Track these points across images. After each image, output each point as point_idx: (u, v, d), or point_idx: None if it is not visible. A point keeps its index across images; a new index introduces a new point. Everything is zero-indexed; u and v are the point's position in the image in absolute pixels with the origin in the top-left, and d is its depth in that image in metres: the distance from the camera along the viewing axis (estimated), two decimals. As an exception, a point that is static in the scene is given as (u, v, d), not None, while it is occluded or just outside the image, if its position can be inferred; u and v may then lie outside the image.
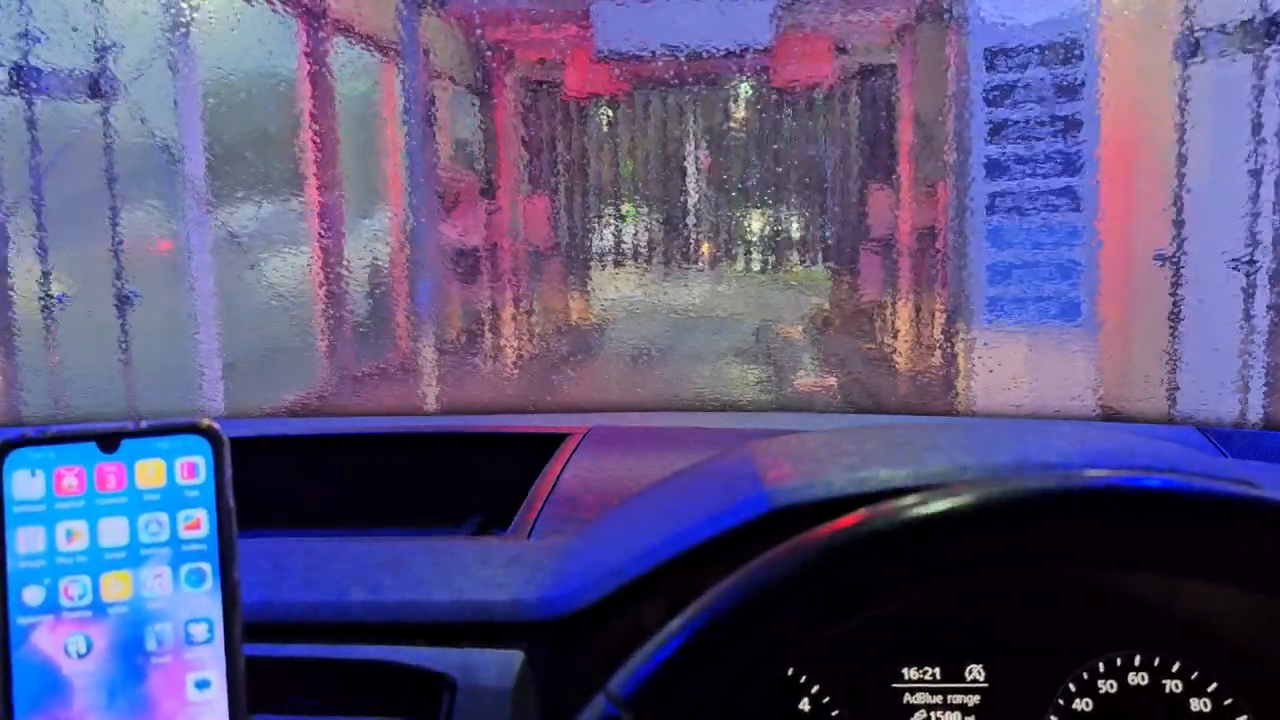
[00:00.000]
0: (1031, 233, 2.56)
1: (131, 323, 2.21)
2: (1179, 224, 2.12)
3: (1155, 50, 2.29)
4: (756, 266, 3.33)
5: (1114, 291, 2.30)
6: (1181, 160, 2.16)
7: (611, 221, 3.45)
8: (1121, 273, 2.29)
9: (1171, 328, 1.96)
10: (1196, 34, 2.16)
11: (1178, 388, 1.78)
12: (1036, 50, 2.51)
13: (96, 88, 2.27)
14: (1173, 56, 2.18)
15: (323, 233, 2.64)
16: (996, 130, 2.59)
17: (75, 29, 2.22)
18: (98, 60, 2.26)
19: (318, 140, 2.63)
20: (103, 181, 2.31)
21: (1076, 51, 2.45)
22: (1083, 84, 2.46)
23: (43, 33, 2.13)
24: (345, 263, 2.65)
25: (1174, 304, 2.00)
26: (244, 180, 2.43)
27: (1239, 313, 1.88)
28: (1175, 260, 2.05)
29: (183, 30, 2.32)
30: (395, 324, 2.69)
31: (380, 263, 2.81)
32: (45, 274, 2.17)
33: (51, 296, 2.15)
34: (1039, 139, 2.54)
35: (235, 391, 2.16)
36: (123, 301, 2.24)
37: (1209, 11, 2.17)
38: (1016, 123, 2.56)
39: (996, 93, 2.58)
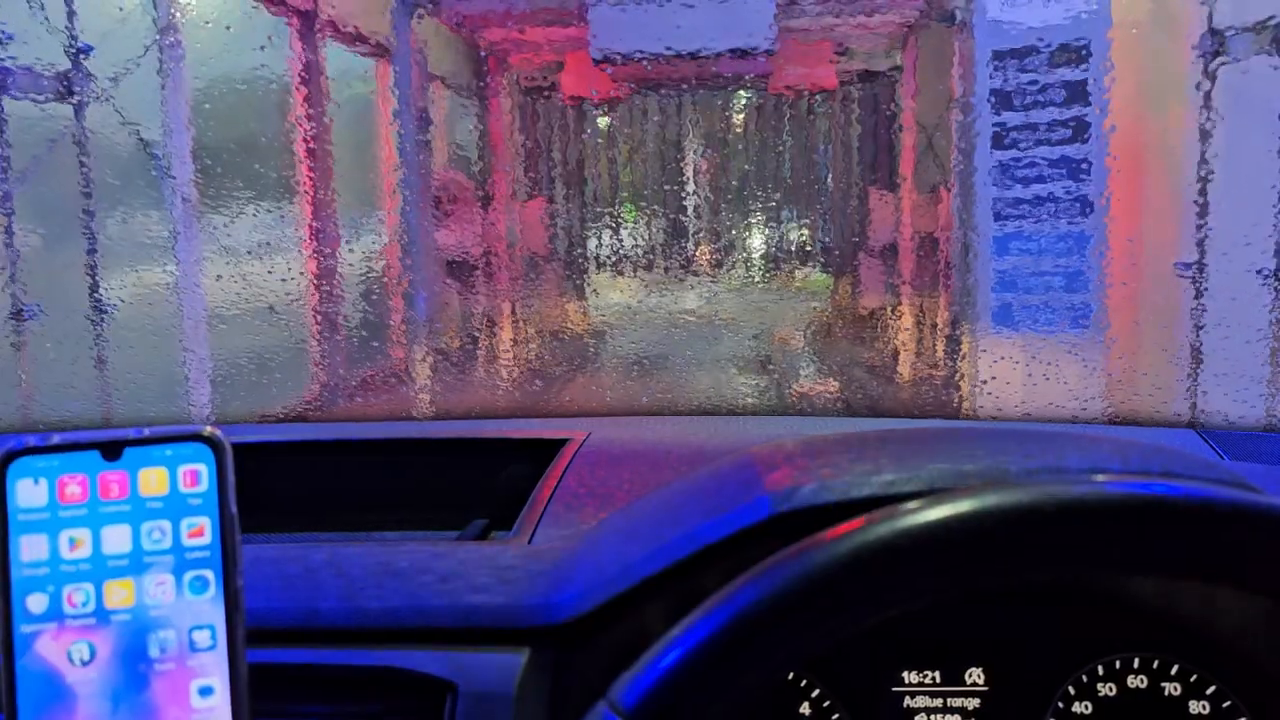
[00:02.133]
0: (1038, 239, 2.56)
1: (116, 332, 2.20)
2: (1201, 231, 2.12)
3: (1167, 52, 2.29)
4: (757, 273, 3.34)
5: (1121, 298, 2.30)
6: (1204, 164, 2.15)
7: (610, 227, 3.46)
8: (1129, 279, 2.29)
9: (1195, 334, 1.96)
10: (1220, 34, 2.15)
11: (1196, 394, 1.79)
12: (1045, 52, 2.51)
13: (74, 89, 2.26)
14: (1196, 56, 2.17)
15: (316, 239, 2.64)
16: (1003, 135, 2.59)
17: (53, 28, 2.22)
18: (77, 60, 2.25)
19: (310, 144, 2.64)
20: (88, 187, 2.30)
21: (1086, 53, 2.45)
22: (1092, 86, 2.46)
23: (6, 33, 2.11)
24: (339, 269, 2.66)
25: (1194, 311, 2.00)
26: (234, 185, 2.43)
27: (1261, 320, 1.89)
28: (1197, 268, 2.05)
29: (171, 30, 2.32)
30: (392, 331, 2.70)
31: (375, 269, 2.82)
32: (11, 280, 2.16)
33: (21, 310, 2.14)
34: (1046, 143, 2.54)
35: (226, 402, 2.16)
36: (98, 313, 2.22)
37: (1222, 13, 2.17)
38: (1023, 126, 2.57)
39: (1003, 96, 2.58)
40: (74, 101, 2.25)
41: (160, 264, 2.38)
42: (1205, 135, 2.16)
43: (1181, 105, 2.23)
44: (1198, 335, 1.97)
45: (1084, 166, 2.49)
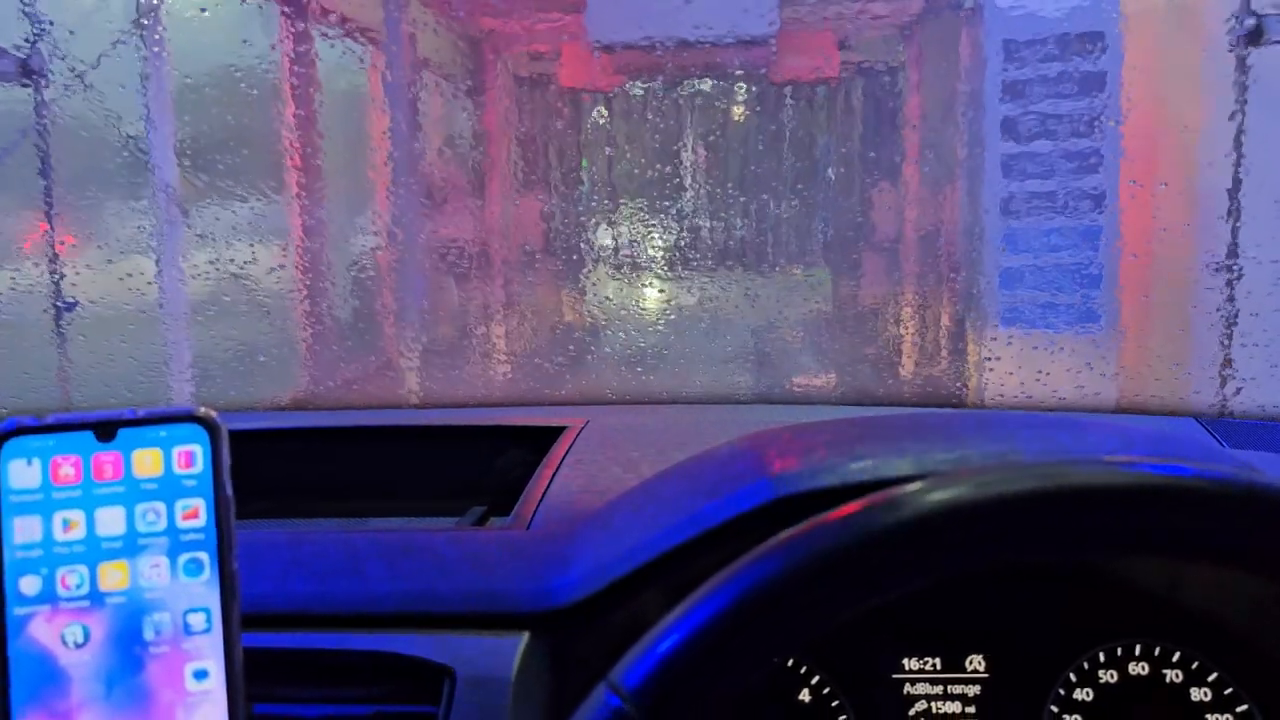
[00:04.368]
0: (1047, 234, 2.55)
1: (93, 327, 2.18)
2: (1234, 227, 2.10)
3: (1191, 38, 2.28)
4: (756, 267, 3.34)
5: (1133, 293, 2.30)
6: (1239, 158, 2.13)
7: (606, 219, 3.46)
8: (1141, 274, 2.29)
9: (1226, 329, 1.96)
10: (1257, 16, 2.11)
11: (1225, 387, 1.79)
12: (1057, 42, 2.50)
13: (33, 70, 2.23)
14: (1231, 41, 2.14)
15: (305, 228, 2.65)
16: (1011, 126, 2.59)
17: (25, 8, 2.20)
18: (36, 42, 2.22)
19: (298, 133, 2.64)
20: (68, 175, 2.29)
21: (1101, 42, 2.44)
22: (1107, 77, 2.45)
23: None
24: (330, 259, 2.66)
25: (1225, 305, 1.99)
26: (218, 176, 2.43)
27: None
28: (1230, 267, 2.04)
29: (152, 13, 2.31)
30: (384, 323, 2.70)
31: (368, 260, 2.82)
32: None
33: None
34: (1057, 137, 2.53)
35: (213, 395, 2.16)
36: (60, 310, 2.20)
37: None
38: (1033, 119, 2.56)
39: (1013, 87, 2.58)
40: (32, 83, 2.22)
41: (142, 253, 2.37)
42: (1236, 126, 2.14)
43: (1206, 94, 2.21)
44: (1228, 329, 1.96)
45: (1096, 160, 2.48)
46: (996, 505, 0.45)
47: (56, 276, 2.24)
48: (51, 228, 2.28)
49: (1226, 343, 1.93)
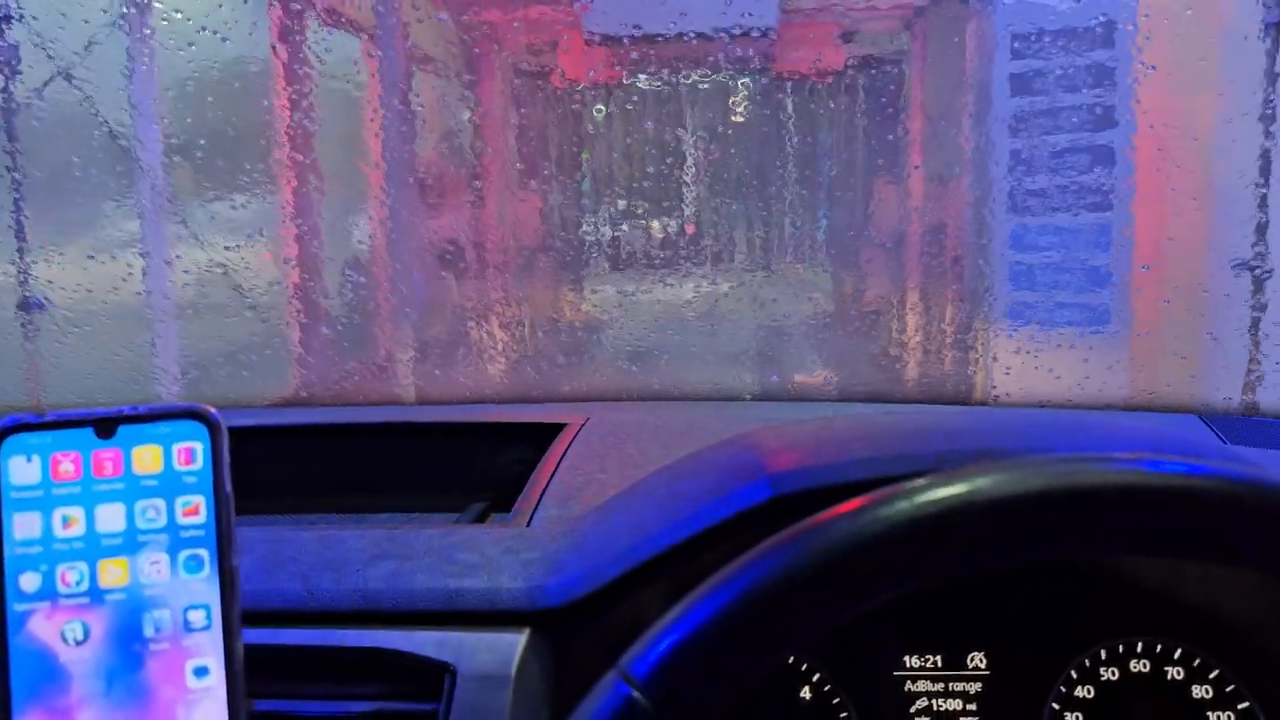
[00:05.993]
0: (1056, 231, 2.55)
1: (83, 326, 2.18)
2: (1259, 224, 2.09)
3: (1205, 30, 2.27)
4: (757, 264, 3.35)
5: (1144, 291, 2.29)
6: (1264, 153, 2.11)
7: (605, 216, 3.47)
8: (1153, 275, 2.28)
9: (1243, 332, 1.95)
10: None
11: (1241, 392, 1.79)
12: (1068, 33, 2.49)
13: (11, 64, 2.22)
14: (1261, 30, 2.13)
15: (299, 226, 2.65)
16: (1020, 122, 2.58)
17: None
18: (11, 33, 2.20)
19: (290, 127, 2.64)
20: (46, 169, 2.28)
21: (1113, 34, 2.43)
22: (1119, 68, 2.44)
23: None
24: (324, 257, 2.67)
25: (1254, 304, 1.99)
26: (208, 170, 2.42)
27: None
28: (1252, 266, 2.04)
29: (139, 5, 2.31)
30: (381, 319, 2.71)
31: (362, 256, 2.82)
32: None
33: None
34: (1068, 131, 2.53)
35: (207, 393, 2.16)
36: (27, 309, 2.19)
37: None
38: (1043, 113, 2.56)
39: (1021, 80, 2.57)
40: (3, 74, 2.20)
41: (129, 249, 2.36)
42: (1261, 120, 2.11)
43: (1227, 86, 2.20)
44: (1248, 330, 1.96)
45: (1108, 155, 2.48)
46: (998, 504, 0.45)
47: (24, 274, 2.23)
48: (19, 223, 2.27)
49: (1241, 342, 1.93)
